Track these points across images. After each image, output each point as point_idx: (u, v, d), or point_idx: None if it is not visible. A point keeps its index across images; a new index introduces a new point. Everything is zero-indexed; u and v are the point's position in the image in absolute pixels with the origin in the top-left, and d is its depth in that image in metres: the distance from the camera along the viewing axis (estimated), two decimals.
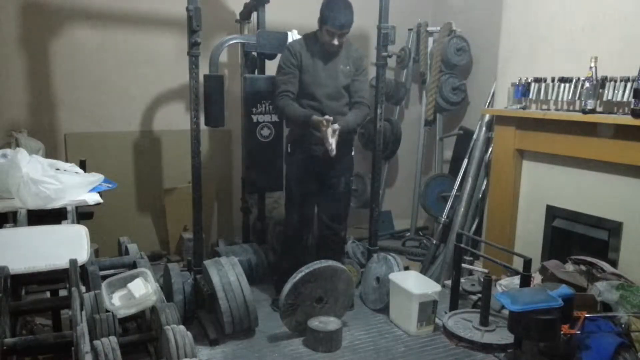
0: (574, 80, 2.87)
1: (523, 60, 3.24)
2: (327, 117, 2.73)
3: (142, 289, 2.23)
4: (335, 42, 2.86)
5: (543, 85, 3.04)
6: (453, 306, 3.02)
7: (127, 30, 3.68)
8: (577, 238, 3.02)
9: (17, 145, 3.14)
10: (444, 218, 3.79)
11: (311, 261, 2.82)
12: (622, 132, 2.61)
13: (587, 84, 2.71)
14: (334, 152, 2.72)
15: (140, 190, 3.87)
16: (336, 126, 2.74)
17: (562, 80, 2.93)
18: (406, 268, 3.32)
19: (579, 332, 2.37)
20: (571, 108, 2.92)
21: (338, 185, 3.03)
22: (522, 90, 3.16)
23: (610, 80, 2.68)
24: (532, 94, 3.11)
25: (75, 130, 3.64)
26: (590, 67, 2.69)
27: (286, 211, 3.19)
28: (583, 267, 2.75)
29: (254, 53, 3.41)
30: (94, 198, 2.53)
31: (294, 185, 3.07)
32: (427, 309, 2.83)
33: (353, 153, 3.12)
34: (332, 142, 2.71)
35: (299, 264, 2.90)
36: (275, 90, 2.97)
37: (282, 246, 3.36)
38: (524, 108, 3.18)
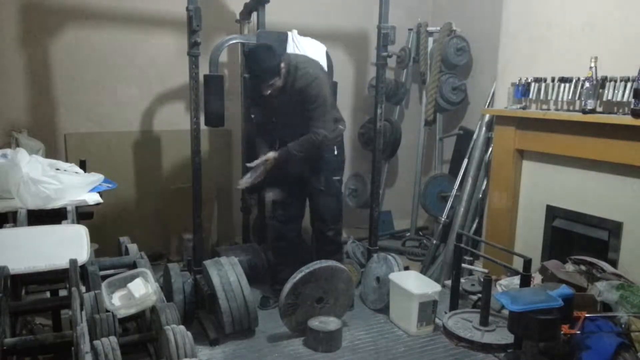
0: (574, 80, 2.86)
1: (523, 60, 3.24)
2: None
3: (142, 289, 2.23)
4: (265, 92, 2.83)
5: (543, 85, 3.04)
6: (453, 306, 3.02)
7: (127, 30, 3.68)
8: (577, 238, 3.02)
9: (17, 145, 3.14)
10: (444, 218, 3.79)
11: (308, 261, 2.82)
12: (622, 132, 2.61)
13: (587, 84, 2.71)
14: (240, 184, 2.97)
15: (140, 190, 3.87)
16: (270, 154, 2.91)
17: (562, 80, 2.93)
18: (406, 268, 3.32)
19: (579, 332, 2.37)
20: (571, 108, 2.92)
21: (317, 183, 3.04)
22: (522, 90, 3.16)
23: (610, 80, 2.68)
24: (532, 94, 3.11)
25: (75, 130, 3.63)
26: (590, 67, 2.69)
27: (272, 209, 3.26)
28: (583, 267, 2.75)
29: None
30: (94, 198, 2.53)
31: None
32: (427, 309, 2.83)
33: (336, 153, 3.08)
34: (249, 175, 2.94)
35: (287, 262, 2.98)
36: None
37: (270, 243, 3.41)
38: (524, 108, 3.18)
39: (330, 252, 3.10)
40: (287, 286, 2.71)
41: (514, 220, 3.37)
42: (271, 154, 2.92)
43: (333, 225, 3.14)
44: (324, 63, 3.35)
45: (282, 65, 2.82)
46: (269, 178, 3.05)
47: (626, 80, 2.60)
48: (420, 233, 4.60)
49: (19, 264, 1.92)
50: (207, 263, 2.86)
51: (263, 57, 2.77)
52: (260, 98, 2.93)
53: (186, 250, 3.74)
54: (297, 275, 2.72)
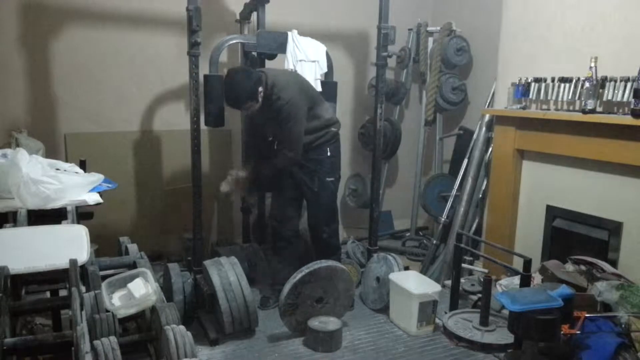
0: (574, 80, 2.87)
1: (523, 60, 3.24)
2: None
3: (142, 289, 2.23)
4: (244, 112, 2.99)
5: (543, 85, 3.04)
6: (453, 306, 3.02)
7: (127, 30, 3.68)
8: (577, 238, 3.02)
9: (17, 145, 3.14)
10: (444, 218, 3.79)
11: (308, 261, 2.82)
12: (622, 132, 2.61)
13: (587, 84, 2.71)
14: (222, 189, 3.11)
15: (140, 190, 3.87)
16: (240, 174, 3.08)
17: (562, 80, 2.93)
18: (406, 268, 3.32)
19: (579, 332, 2.37)
20: (571, 108, 2.92)
21: (310, 184, 3.04)
22: (522, 90, 3.16)
23: (610, 80, 2.68)
24: (532, 94, 3.11)
25: (75, 130, 3.63)
26: (590, 67, 2.69)
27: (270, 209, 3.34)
28: (583, 267, 2.75)
29: (254, 53, 3.41)
30: (94, 198, 2.53)
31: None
32: (427, 309, 2.83)
33: (329, 154, 3.07)
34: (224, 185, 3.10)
35: (286, 261, 3.02)
36: None
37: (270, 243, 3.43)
38: (524, 108, 3.18)
39: (326, 255, 3.05)
40: (287, 286, 2.71)
41: (514, 220, 3.37)
42: (241, 174, 3.06)
43: (327, 227, 3.12)
44: (324, 63, 3.35)
45: (260, 89, 2.85)
46: (262, 177, 3.10)
47: (626, 80, 2.60)
48: (420, 233, 4.61)
49: (19, 264, 1.92)
50: (207, 263, 2.86)
51: (239, 82, 2.79)
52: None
53: (186, 250, 3.75)
54: (297, 275, 2.72)
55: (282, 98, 2.85)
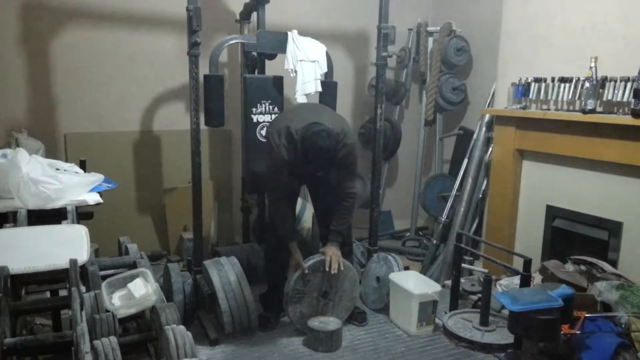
0: (574, 80, 2.87)
1: (523, 60, 3.24)
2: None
3: (142, 289, 2.23)
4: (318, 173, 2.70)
5: (543, 85, 3.04)
6: (453, 306, 3.02)
7: (127, 30, 3.68)
8: (577, 238, 3.02)
9: (17, 145, 3.14)
10: (444, 218, 3.79)
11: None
12: (622, 132, 2.61)
13: (587, 84, 2.71)
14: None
15: (140, 190, 3.87)
16: (335, 252, 2.78)
17: (562, 80, 2.94)
18: (406, 268, 3.32)
19: (579, 332, 2.37)
20: (571, 108, 2.93)
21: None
22: (522, 90, 3.16)
23: (610, 80, 2.68)
24: (532, 94, 3.11)
25: (75, 130, 3.63)
26: (590, 67, 2.69)
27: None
28: (583, 267, 2.75)
29: (254, 53, 3.41)
30: (94, 198, 2.53)
31: None
32: (427, 309, 2.83)
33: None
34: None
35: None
36: None
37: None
38: (524, 108, 3.18)
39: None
40: (297, 273, 2.72)
41: (514, 220, 3.37)
42: (336, 251, 2.77)
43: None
44: (323, 63, 3.35)
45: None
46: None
47: (626, 80, 2.60)
48: (420, 233, 4.60)
49: (19, 264, 1.92)
50: (207, 263, 2.86)
51: (329, 145, 2.54)
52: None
53: (186, 250, 3.75)
54: (309, 261, 2.72)
55: (348, 145, 2.68)
